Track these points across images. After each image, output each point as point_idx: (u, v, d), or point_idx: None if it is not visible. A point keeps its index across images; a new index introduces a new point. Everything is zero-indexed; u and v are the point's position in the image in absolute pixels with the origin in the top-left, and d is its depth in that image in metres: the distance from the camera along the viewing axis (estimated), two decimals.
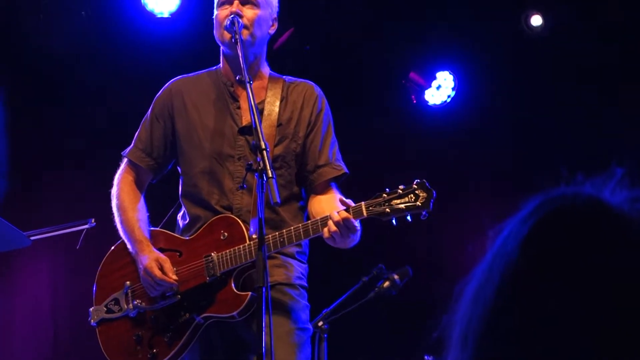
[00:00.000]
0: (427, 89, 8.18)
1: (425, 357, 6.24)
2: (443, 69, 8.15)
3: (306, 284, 4.67)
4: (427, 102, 8.20)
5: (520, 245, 1.37)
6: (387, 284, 6.23)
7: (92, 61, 7.55)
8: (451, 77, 8.15)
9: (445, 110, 8.18)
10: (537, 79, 8.01)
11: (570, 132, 7.87)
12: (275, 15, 4.67)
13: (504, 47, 8.02)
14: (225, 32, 4.50)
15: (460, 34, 7.99)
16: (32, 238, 5.25)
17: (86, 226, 5.56)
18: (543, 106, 8.01)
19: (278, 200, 3.91)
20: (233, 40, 4.44)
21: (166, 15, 7.40)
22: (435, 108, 8.20)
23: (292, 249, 4.59)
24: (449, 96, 8.15)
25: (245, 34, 4.50)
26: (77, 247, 5.60)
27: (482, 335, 1.37)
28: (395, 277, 6.26)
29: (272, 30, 4.67)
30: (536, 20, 7.90)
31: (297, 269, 4.60)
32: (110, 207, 4.75)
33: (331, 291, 6.15)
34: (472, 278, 1.44)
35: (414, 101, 8.23)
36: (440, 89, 8.17)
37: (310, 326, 4.64)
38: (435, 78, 8.17)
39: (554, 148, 7.83)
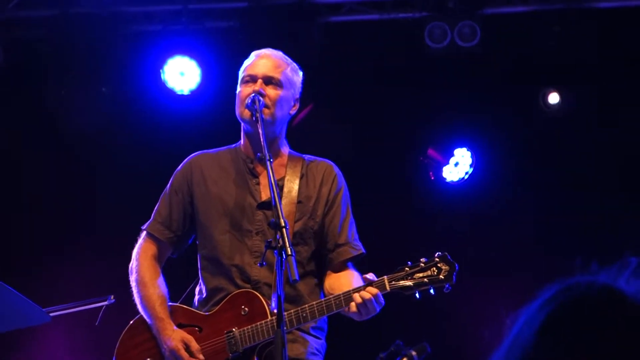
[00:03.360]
0: (445, 165, 8.20)
1: None
2: (461, 146, 8.18)
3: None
4: (445, 178, 8.21)
5: (536, 333, 1.38)
6: None
7: (113, 137, 7.62)
8: (469, 153, 8.17)
9: (463, 187, 8.18)
10: (554, 159, 8.02)
11: (586, 217, 7.87)
12: (297, 96, 4.70)
13: (521, 124, 8.06)
14: (246, 110, 4.51)
15: (478, 111, 8.04)
16: (52, 314, 5.25)
17: (105, 303, 5.55)
18: (559, 187, 8.01)
19: (297, 277, 3.95)
20: (254, 118, 4.45)
21: (186, 92, 7.49)
22: (453, 185, 8.21)
23: (308, 325, 4.57)
24: (466, 173, 8.16)
25: (266, 113, 4.52)
26: (97, 324, 5.59)
27: None
28: (413, 353, 6.19)
29: (293, 111, 4.70)
30: (553, 98, 7.94)
31: (312, 345, 4.59)
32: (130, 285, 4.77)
33: None
34: None
35: (432, 177, 8.26)
36: (458, 165, 8.18)
37: None
38: (453, 155, 8.19)
39: (570, 233, 7.82)
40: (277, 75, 4.60)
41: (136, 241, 4.86)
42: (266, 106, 4.54)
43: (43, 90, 7.49)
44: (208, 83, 7.40)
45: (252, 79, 4.60)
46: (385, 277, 4.26)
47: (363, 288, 4.24)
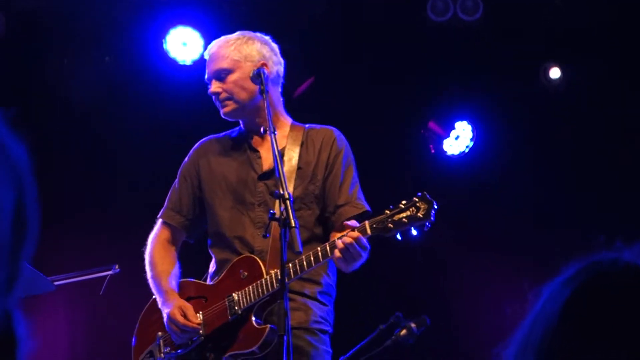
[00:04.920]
0: (445, 138, 8.20)
1: None
2: (462, 119, 8.17)
3: (327, 328, 4.68)
4: (446, 152, 8.21)
5: (561, 310, 1.39)
6: (404, 332, 6.21)
7: (115, 107, 7.61)
8: (470, 127, 8.16)
9: (464, 160, 8.19)
10: (557, 134, 8.03)
11: (576, 189, 7.90)
12: (262, 61, 4.70)
13: (522, 98, 8.05)
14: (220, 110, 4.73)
15: (479, 85, 8.03)
16: (56, 283, 5.28)
17: (110, 272, 5.57)
18: (563, 160, 8.02)
19: (300, 249, 4.03)
20: (223, 115, 4.72)
21: (188, 63, 7.48)
22: (454, 158, 8.21)
23: (314, 289, 4.63)
24: (467, 146, 8.16)
25: (229, 105, 4.69)
26: (101, 293, 5.62)
27: None
28: (413, 325, 6.24)
29: (267, 79, 4.66)
30: (555, 72, 7.94)
31: (316, 312, 4.61)
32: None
33: (349, 338, 6.15)
34: (511, 342, 1.46)
35: (433, 151, 8.25)
36: (459, 139, 8.18)
37: None
38: (454, 128, 8.19)
39: (569, 208, 7.85)
40: (223, 64, 4.70)
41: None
42: (226, 100, 4.68)
43: (45, 60, 7.48)
44: None
45: (208, 81, 4.75)
46: (366, 221, 4.31)
47: (345, 234, 4.28)
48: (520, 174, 8.05)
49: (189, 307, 4.59)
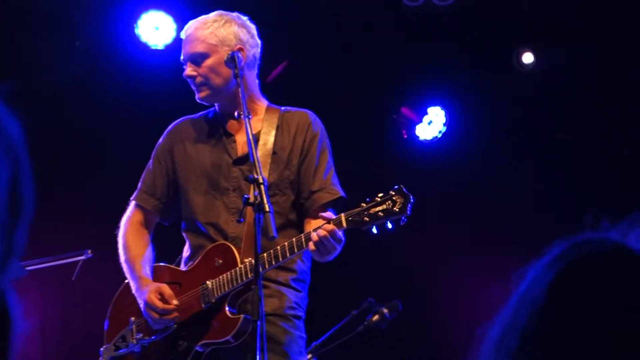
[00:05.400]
0: (418, 124, 8.19)
1: None
2: (435, 105, 8.17)
3: (301, 314, 4.67)
4: (418, 137, 8.20)
5: (546, 291, 1.38)
6: (376, 317, 6.22)
7: (87, 91, 7.55)
8: (443, 112, 8.16)
9: (436, 145, 8.19)
10: (524, 118, 8.05)
11: (548, 174, 7.93)
12: (238, 46, 4.66)
13: (495, 83, 8.06)
14: (197, 94, 4.68)
15: (452, 70, 8.03)
16: (28, 268, 5.23)
17: (82, 257, 5.53)
18: (536, 144, 8.04)
19: (275, 234, 4.01)
20: (201, 100, 4.68)
21: (160, 47, 7.42)
22: (426, 143, 8.20)
23: (287, 276, 4.62)
24: (440, 132, 8.16)
25: (204, 90, 4.65)
26: (73, 279, 5.58)
27: None
28: (385, 311, 6.25)
29: (243, 63, 4.63)
30: (528, 57, 7.95)
31: (290, 299, 4.60)
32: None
33: (321, 324, 6.15)
34: (495, 323, 1.44)
35: (405, 136, 8.25)
36: (432, 124, 8.17)
37: (304, 358, 4.64)
38: (426, 113, 8.18)
39: (533, 189, 7.88)
40: (199, 48, 4.64)
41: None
42: (201, 85, 4.64)
43: (17, 44, 7.40)
44: None
45: (184, 63, 4.69)
46: (342, 214, 4.28)
47: (320, 226, 4.26)
48: (493, 159, 8.06)
49: (164, 287, 4.57)
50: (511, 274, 1.50)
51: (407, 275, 7.92)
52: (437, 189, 7.99)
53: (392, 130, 8.31)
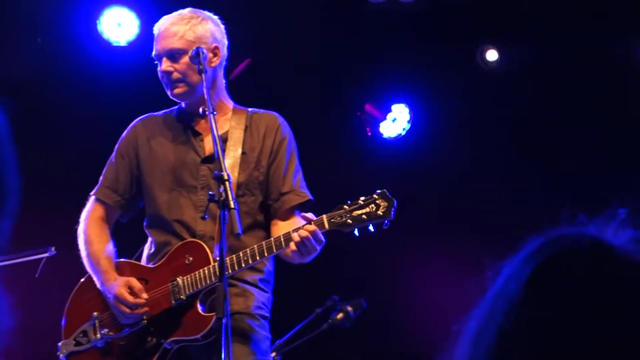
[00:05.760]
0: (382, 121, 8.18)
1: None
2: (399, 102, 8.16)
3: (268, 314, 4.68)
4: (382, 134, 8.19)
5: (523, 286, 1.36)
6: (340, 315, 6.22)
7: (48, 87, 7.49)
8: (407, 110, 8.16)
9: (400, 143, 8.19)
10: (497, 115, 8.07)
11: (512, 170, 7.96)
12: (214, 44, 4.66)
13: (459, 81, 8.08)
14: (168, 91, 4.66)
15: (416, 67, 8.04)
16: None
17: (46, 255, 5.48)
18: (500, 141, 8.07)
19: (240, 231, 4.01)
20: (173, 96, 4.64)
21: (123, 44, 7.36)
22: (391, 141, 8.20)
23: (255, 276, 4.61)
24: (404, 129, 8.16)
25: (180, 87, 4.61)
26: (37, 276, 5.52)
27: None
28: (349, 309, 6.25)
29: (215, 63, 4.64)
30: (492, 55, 7.96)
31: (257, 298, 4.60)
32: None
33: (285, 322, 6.12)
34: (472, 318, 1.43)
35: (369, 133, 8.24)
36: (396, 121, 8.17)
37: (269, 357, 4.64)
38: (390, 111, 8.17)
39: (497, 186, 7.91)
40: (176, 44, 4.61)
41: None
42: (178, 81, 4.60)
43: None
44: (147, 34, 7.28)
45: (158, 58, 4.65)
46: (324, 215, 4.30)
47: (302, 227, 4.26)
48: (457, 155, 8.08)
49: (133, 280, 4.53)
50: (484, 270, 1.49)
51: (375, 273, 7.92)
52: (402, 186, 7.98)
53: (357, 128, 8.30)
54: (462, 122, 8.12)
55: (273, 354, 5.85)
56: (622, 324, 1.30)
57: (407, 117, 8.15)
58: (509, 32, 7.87)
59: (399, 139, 8.19)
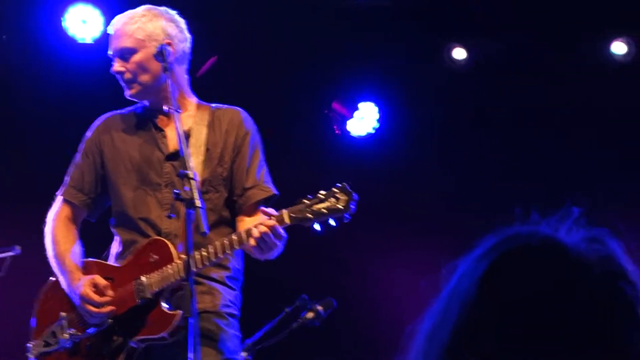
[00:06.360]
0: (349, 119, 8.17)
1: None
2: (366, 100, 8.16)
3: (236, 312, 4.65)
4: (350, 132, 8.19)
5: (476, 284, 1.36)
6: (310, 314, 6.20)
7: (12, 85, 7.45)
8: (376, 108, 8.15)
9: (369, 141, 8.19)
10: (465, 113, 8.09)
11: (482, 169, 7.98)
12: (167, 40, 4.60)
13: (427, 79, 8.09)
14: (125, 91, 4.64)
15: (384, 65, 8.04)
16: None
17: (10, 253, 5.45)
18: (460, 141, 8.10)
19: (206, 230, 4.00)
20: (127, 96, 4.64)
21: (88, 41, 7.32)
22: (360, 139, 8.20)
23: (222, 274, 4.59)
24: (373, 127, 8.16)
25: (134, 88, 4.61)
26: (0, 275, 5.50)
27: None
28: (319, 308, 6.23)
29: (172, 58, 4.58)
30: (459, 53, 7.97)
31: (225, 297, 4.58)
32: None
33: (255, 321, 6.11)
34: (426, 317, 1.43)
35: (337, 131, 8.23)
36: (364, 119, 8.16)
37: (238, 357, 4.63)
38: (357, 109, 8.16)
39: (466, 185, 7.93)
40: (127, 43, 4.59)
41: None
42: (129, 82, 4.60)
43: None
44: None
45: (112, 58, 4.63)
46: (284, 210, 4.26)
47: (261, 222, 4.25)
48: (426, 154, 8.09)
49: (100, 281, 4.50)
50: (442, 269, 1.49)
51: (339, 272, 7.92)
52: (370, 184, 7.99)
53: (324, 126, 8.29)
54: (430, 120, 8.14)
55: (244, 354, 5.83)
56: (569, 322, 1.30)
57: (376, 115, 8.15)
58: (476, 30, 7.89)
59: (368, 137, 8.18)
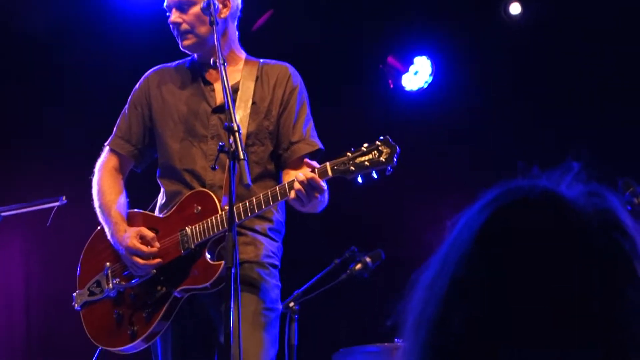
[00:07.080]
0: (404, 73, 8.16)
1: (396, 340, 6.24)
2: (421, 54, 8.13)
3: (277, 263, 4.68)
4: (404, 87, 8.18)
5: (474, 235, 1.37)
6: (359, 266, 6.22)
7: (68, 37, 7.52)
8: (429, 62, 8.13)
9: (422, 96, 8.16)
10: (510, 69, 8.02)
11: (532, 125, 7.92)
12: None
13: (482, 34, 8.02)
14: (180, 42, 4.66)
15: (439, 20, 7.99)
16: (3, 214, 5.22)
17: (57, 203, 5.50)
18: (512, 97, 8.03)
19: (249, 182, 4.01)
20: (184, 47, 4.65)
21: None
22: (412, 94, 8.18)
23: (264, 225, 4.62)
24: (425, 82, 8.14)
25: (189, 39, 4.63)
26: (48, 225, 5.56)
27: (435, 324, 1.37)
28: (368, 259, 6.26)
29: (224, 14, 4.64)
30: (515, 8, 7.90)
31: (267, 247, 4.61)
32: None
33: (304, 272, 6.16)
34: (428, 266, 1.44)
35: (391, 86, 8.22)
36: (418, 74, 8.15)
37: (279, 306, 4.66)
38: (412, 63, 8.15)
39: (517, 140, 7.86)
40: None
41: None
42: (187, 33, 4.62)
43: None
44: None
45: (168, 8, 4.66)
46: (327, 162, 4.26)
47: (302, 174, 4.24)
48: (478, 110, 8.04)
49: (147, 233, 4.55)
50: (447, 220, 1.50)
51: (394, 224, 7.92)
52: (421, 138, 7.98)
53: (379, 80, 8.28)
54: (484, 75, 8.08)
55: (291, 304, 5.89)
56: (567, 275, 1.31)
57: (429, 70, 8.13)
58: None
59: (420, 92, 8.16)
